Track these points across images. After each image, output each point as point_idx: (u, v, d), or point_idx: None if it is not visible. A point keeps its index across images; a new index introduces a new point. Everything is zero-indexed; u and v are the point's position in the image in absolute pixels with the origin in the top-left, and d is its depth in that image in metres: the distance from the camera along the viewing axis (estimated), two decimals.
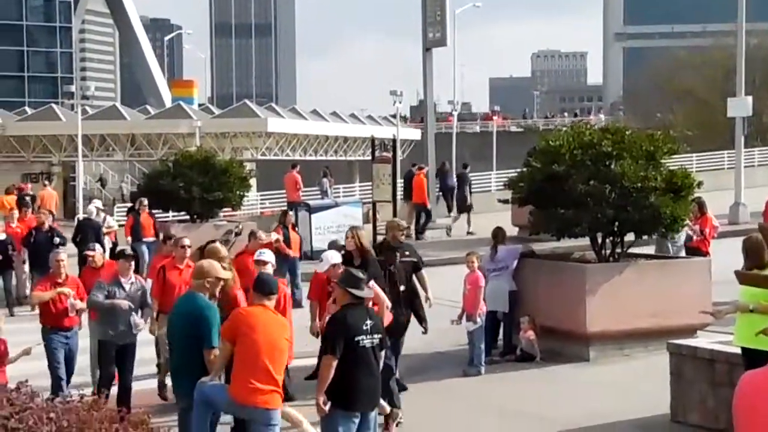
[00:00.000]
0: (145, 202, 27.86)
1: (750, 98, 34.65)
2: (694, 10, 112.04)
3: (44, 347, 14.47)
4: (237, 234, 27.02)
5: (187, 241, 15.68)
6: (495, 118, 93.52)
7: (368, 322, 10.22)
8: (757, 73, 36.24)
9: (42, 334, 14.52)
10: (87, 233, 24.37)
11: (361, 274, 10.88)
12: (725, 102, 35.54)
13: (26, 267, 23.84)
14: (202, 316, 10.86)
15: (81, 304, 14.47)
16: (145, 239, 26.65)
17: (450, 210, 41.07)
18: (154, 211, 28.52)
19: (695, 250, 19.64)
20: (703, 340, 14.07)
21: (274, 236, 20.98)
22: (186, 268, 14.85)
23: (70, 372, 14.67)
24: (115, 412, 7.25)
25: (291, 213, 26.93)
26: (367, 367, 10.19)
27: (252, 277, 11.92)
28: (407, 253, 14.88)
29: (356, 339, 10.07)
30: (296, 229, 25.22)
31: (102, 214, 27.99)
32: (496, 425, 12.97)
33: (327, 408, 9.91)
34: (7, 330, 14.07)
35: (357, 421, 10.14)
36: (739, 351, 11.48)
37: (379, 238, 31.52)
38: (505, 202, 20.55)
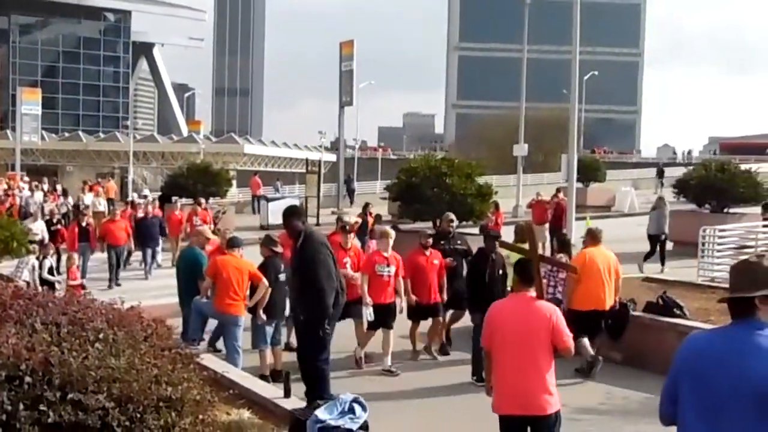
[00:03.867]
0: (204, 203, 23.23)
1: (526, 145, 35.03)
2: (501, 92, 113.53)
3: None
4: (223, 213, 26.42)
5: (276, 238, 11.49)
6: (380, 149, 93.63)
7: (282, 266, 10.00)
8: (529, 130, 36.72)
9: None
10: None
11: (275, 237, 10.36)
12: (512, 146, 36.00)
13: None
14: (198, 261, 10.75)
15: None
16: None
17: (351, 203, 40.90)
18: (173, 198, 27.17)
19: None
20: None
21: (354, 219, 17.79)
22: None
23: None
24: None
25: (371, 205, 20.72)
26: (283, 293, 9.92)
27: (339, 250, 10.15)
28: (459, 241, 11.97)
29: (278, 276, 9.91)
30: (372, 215, 19.54)
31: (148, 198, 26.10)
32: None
33: (264, 317, 9.75)
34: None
35: (274, 325, 9.98)
36: None
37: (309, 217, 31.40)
38: (384, 198, 20.42)
